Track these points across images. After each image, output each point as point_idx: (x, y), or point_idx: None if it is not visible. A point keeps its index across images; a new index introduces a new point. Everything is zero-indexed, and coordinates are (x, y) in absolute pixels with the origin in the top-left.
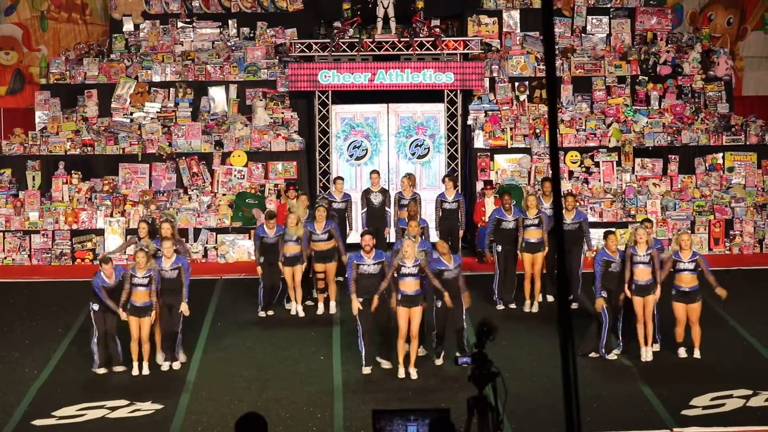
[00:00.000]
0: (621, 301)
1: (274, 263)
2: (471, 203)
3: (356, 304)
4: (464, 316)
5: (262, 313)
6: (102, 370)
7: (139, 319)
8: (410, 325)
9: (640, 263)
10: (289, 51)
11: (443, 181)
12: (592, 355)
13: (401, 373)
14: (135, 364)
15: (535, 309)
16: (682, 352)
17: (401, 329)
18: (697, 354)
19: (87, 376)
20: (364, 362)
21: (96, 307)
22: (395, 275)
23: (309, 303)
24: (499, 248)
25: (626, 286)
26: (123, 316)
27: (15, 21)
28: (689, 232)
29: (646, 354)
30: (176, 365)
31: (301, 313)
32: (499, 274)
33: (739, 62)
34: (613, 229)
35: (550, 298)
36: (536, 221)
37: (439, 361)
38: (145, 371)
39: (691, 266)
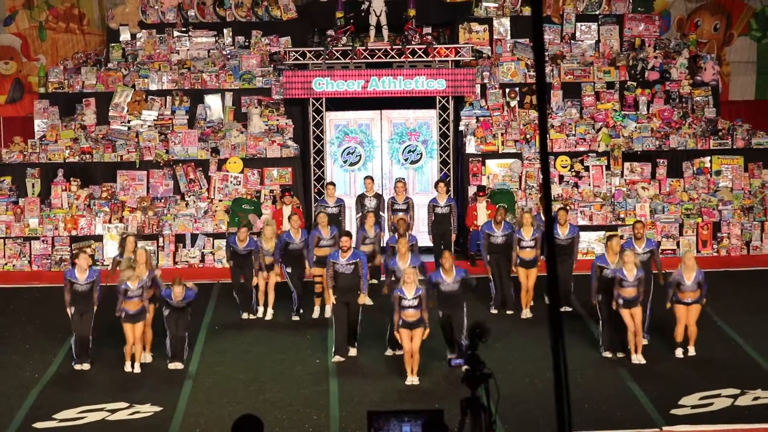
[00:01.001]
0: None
1: (245, 266)
2: (463, 207)
3: (332, 299)
4: (464, 332)
5: (244, 315)
6: (78, 366)
7: (134, 324)
8: (412, 342)
9: (629, 286)
10: (283, 59)
11: (436, 186)
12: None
13: (408, 381)
14: (128, 363)
15: (529, 315)
16: (679, 353)
17: (405, 348)
18: (692, 351)
19: (86, 380)
20: (334, 350)
21: (73, 309)
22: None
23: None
24: (488, 257)
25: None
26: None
27: (14, 31)
28: (693, 253)
29: (638, 360)
30: (179, 366)
31: (269, 316)
32: (495, 282)
33: (725, 67)
34: (616, 233)
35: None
36: (532, 243)
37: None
38: (137, 369)
39: (695, 287)
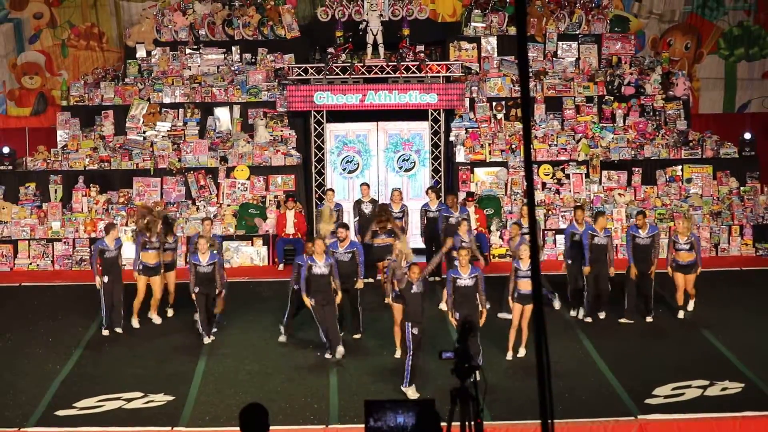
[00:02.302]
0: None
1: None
2: None
3: (333, 284)
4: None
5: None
6: (106, 332)
7: (149, 278)
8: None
9: (523, 277)
10: (287, 74)
11: (426, 192)
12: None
13: (398, 354)
14: (135, 320)
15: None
16: (680, 314)
17: (396, 319)
18: (690, 306)
19: (105, 371)
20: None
21: (106, 279)
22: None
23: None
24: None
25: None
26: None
27: (38, 48)
28: (689, 217)
29: (522, 353)
30: (207, 340)
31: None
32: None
33: (695, 83)
34: (604, 211)
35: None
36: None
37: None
38: (156, 320)
39: (687, 246)
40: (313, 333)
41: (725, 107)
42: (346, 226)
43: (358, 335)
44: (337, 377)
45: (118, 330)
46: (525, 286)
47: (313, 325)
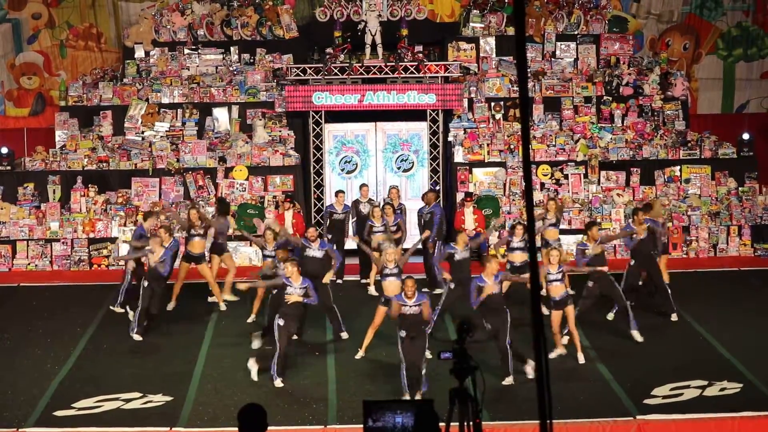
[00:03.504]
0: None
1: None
2: (452, 212)
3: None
4: (425, 357)
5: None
6: (120, 310)
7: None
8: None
9: (554, 281)
10: (285, 75)
11: (422, 198)
12: None
13: (359, 355)
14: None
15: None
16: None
17: (375, 323)
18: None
19: (103, 372)
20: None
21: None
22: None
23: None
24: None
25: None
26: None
27: (37, 49)
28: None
29: (580, 357)
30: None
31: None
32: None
33: (694, 83)
34: (597, 221)
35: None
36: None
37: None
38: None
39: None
40: (312, 334)
41: (724, 108)
42: (316, 227)
43: (345, 335)
44: (336, 377)
45: (118, 310)
46: (556, 291)
47: (313, 324)
